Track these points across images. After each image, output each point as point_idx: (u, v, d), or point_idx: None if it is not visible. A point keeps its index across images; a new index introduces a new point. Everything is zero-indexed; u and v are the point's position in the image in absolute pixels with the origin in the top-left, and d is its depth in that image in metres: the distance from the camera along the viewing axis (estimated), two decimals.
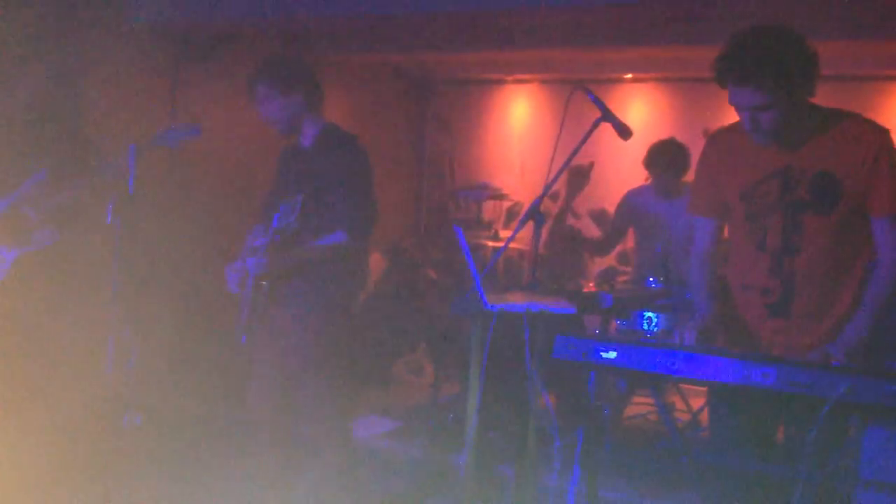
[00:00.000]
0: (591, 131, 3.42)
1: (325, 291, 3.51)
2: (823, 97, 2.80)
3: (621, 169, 6.62)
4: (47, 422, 4.09)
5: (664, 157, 5.04)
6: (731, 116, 2.93)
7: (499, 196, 6.79)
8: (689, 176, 5.18)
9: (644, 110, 6.95)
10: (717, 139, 3.05)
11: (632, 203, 5.28)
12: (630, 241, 5.62)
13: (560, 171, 3.53)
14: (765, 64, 2.61)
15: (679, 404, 5.28)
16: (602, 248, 5.61)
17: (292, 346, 3.52)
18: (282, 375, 3.58)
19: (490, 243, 6.18)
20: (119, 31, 5.22)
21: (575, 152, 3.47)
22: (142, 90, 5.51)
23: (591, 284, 4.61)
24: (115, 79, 5.13)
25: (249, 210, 3.88)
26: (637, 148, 5.10)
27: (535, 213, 3.51)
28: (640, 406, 5.35)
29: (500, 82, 7.70)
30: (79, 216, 3.61)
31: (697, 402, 5.18)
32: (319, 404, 3.55)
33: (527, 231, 3.72)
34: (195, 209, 5.85)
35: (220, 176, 5.86)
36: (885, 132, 2.79)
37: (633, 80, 7.05)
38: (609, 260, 6.28)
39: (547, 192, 3.51)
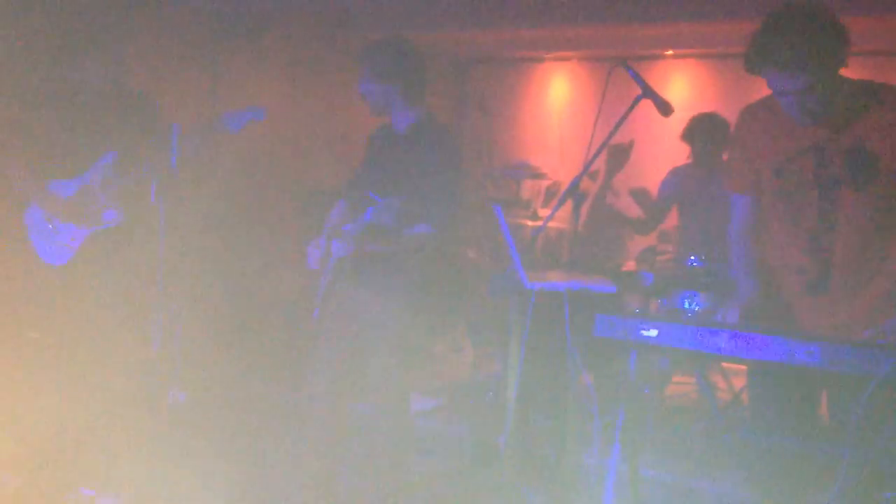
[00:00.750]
0: (631, 108, 3.40)
1: (405, 277, 3.53)
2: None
3: (662, 147, 6.55)
4: (95, 397, 4.18)
5: (702, 129, 4.98)
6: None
7: (537, 175, 6.77)
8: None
9: (685, 87, 6.87)
10: (749, 114, 3.01)
11: (675, 181, 5.24)
12: (671, 219, 5.57)
13: (600, 149, 3.50)
14: (804, 46, 2.57)
15: (721, 383, 5.25)
16: (645, 227, 5.57)
17: (367, 326, 3.55)
18: (349, 353, 3.61)
19: (529, 222, 6.17)
20: (161, 14, 5.26)
21: (615, 129, 3.45)
22: (184, 70, 5.56)
23: (631, 263, 4.59)
24: (158, 62, 5.18)
25: (295, 190, 3.91)
26: (678, 125, 5.05)
27: (574, 192, 3.49)
28: (682, 385, 5.32)
29: (539, 60, 7.65)
30: (143, 198, 3.68)
31: (739, 382, 5.14)
32: (385, 383, 3.57)
33: (566, 210, 3.71)
34: (241, 189, 5.90)
35: (264, 157, 5.90)
36: None
37: (674, 57, 6.97)
38: (650, 239, 6.24)
39: (587, 170, 3.50)
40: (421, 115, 3.61)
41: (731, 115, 5.17)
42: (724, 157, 5.03)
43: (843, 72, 2.72)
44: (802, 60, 2.59)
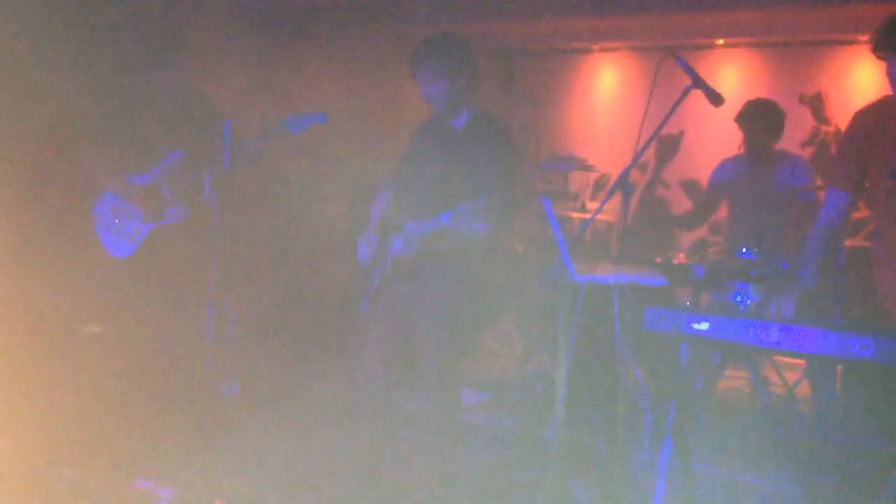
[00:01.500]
0: (681, 99, 3.36)
1: (458, 272, 3.52)
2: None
3: (712, 138, 6.48)
4: (151, 389, 4.26)
5: (756, 114, 4.90)
6: (827, 81, 2.86)
7: (585, 167, 6.72)
8: (782, 143, 5.05)
9: (736, 77, 6.76)
10: (867, 114, 2.99)
11: (724, 173, 5.17)
12: (723, 211, 5.51)
13: (649, 141, 3.47)
14: None
15: (774, 377, 5.17)
16: (693, 221, 5.51)
17: (419, 320, 3.55)
18: (400, 347, 3.62)
19: (577, 215, 6.13)
20: (209, 11, 5.33)
21: (665, 121, 3.42)
22: (233, 65, 5.63)
23: (681, 255, 4.54)
24: (208, 55, 5.25)
25: (341, 185, 3.93)
26: (729, 116, 4.98)
27: (623, 184, 3.47)
28: (734, 380, 5.26)
29: (586, 51, 7.59)
30: (200, 195, 3.76)
31: (793, 376, 5.06)
32: (438, 377, 3.56)
33: (615, 202, 3.68)
34: (291, 185, 5.96)
35: (313, 152, 5.94)
36: None
37: (725, 46, 6.87)
38: (701, 231, 6.18)
39: (636, 162, 3.47)
40: (476, 110, 3.59)
41: (783, 104, 5.11)
42: (774, 146, 4.96)
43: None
44: None
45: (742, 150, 5.23)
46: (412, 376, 3.62)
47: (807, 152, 6.14)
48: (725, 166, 5.20)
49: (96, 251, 4.46)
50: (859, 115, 3.01)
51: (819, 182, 4.92)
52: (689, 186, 5.85)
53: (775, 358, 5.18)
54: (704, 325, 2.66)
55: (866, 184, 2.98)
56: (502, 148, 3.47)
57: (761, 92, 6.22)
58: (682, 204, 6.34)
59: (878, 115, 2.93)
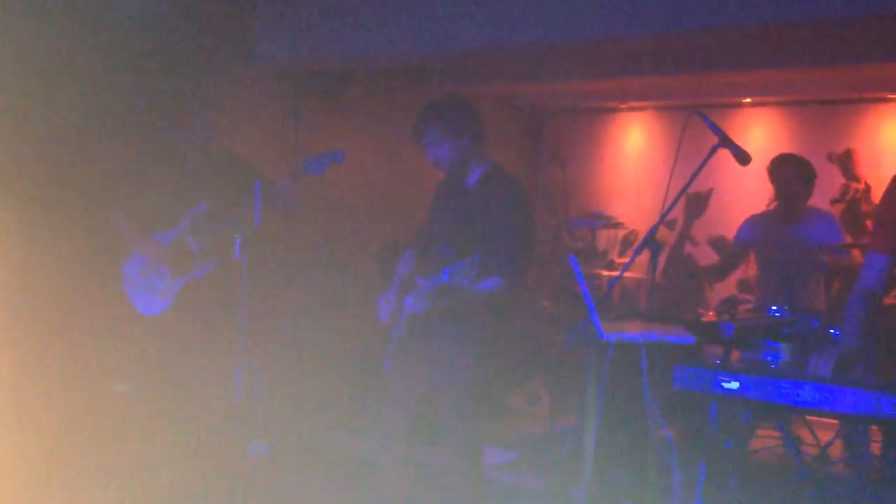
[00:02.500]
0: (708, 157, 3.39)
1: (478, 331, 3.51)
2: None
3: (740, 195, 6.47)
4: (180, 448, 4.26)
5: (790, 165, 4.90)
6: (856, 139, 2.87)
7: (614, 224, 6.73)
8: (814, 200, 5.03)
9: (763, 135, 6.78)
10: None
11: (753, 228, 5.16)
12: (752, 269, 5.48)
13: (677, 198, 3.49)
14: None
15: (807, 437, 5.08)
16: (719, 274, 5.49)
17: (439, 379, 3.54)
18: (421, 406, 3.61)
19: (605, 272, 6.13)
20: (244, 72, 5.45)
21: (693, 178, 3.43)
22: (266, 129, 5.73)
23: (710, 313, 4.51)
24: (241, 118, 5.36)
25: (372, 242, 3.96)
26: (756, 174, 4.98)
27: (651, 241, 3.48)
28: (766, 439, 5.17)
29: (614, 110, 7.65)
30: (229, 251, 3.81)
31: (826, 436, 4.98)
32: (459, 435, 3.54)
33: (643, 259, 3.68)
34: (319, 242, 6.01)
35: (342, 209, 6.00)
36: None
37: (752, 105, 6.89)
38: (730, 288, 6.13)
39: (663, 219, 3.49)
40: (488, 166, 3.62)
41: (811, 162, 5.11)
42: (805, 202, 4.94)
43: None
44: None
45: (772, 206, 5.22)
46: (433, 436, 3.59)
47: (837, 209, 6.11)
48: (755, 221, 5.19)
49: (125, 309, 4.49)
50: None
51: (849, 239, 4.89)
52: (718, 243, 5.82)
53: (808, 418, 5.10)
54: (734, 384, 2.65)
55: None
56: (510, 199, 3.47)
57: (788, 150, 6.23)
58: (711, 261, 6.32)
59: None
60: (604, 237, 7.21)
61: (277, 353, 5.44)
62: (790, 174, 4.92)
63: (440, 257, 3.53)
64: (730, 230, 5.50)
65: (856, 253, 4.60)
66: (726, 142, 3.42)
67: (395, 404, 3.69)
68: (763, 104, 6.85)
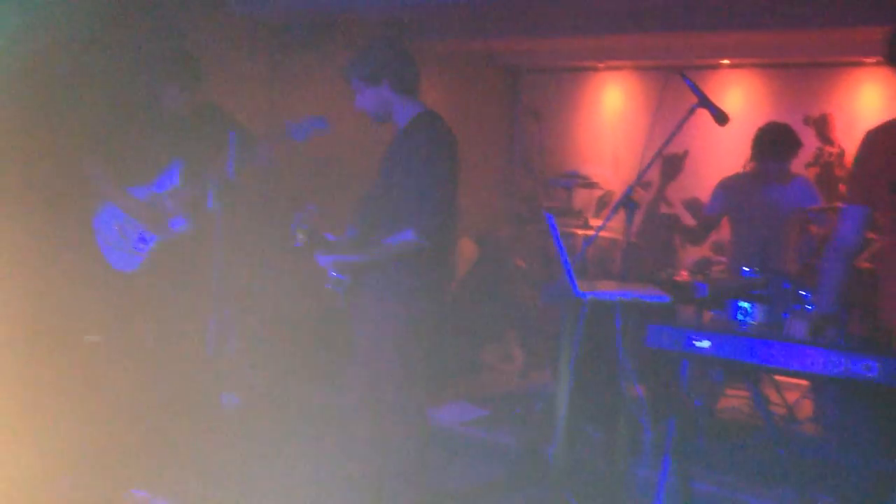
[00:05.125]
0: (687, 117, 3.38)
1: (404, 283, 3.41)
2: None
3: (715, 157, 6.49)
4: (150, 400, 4.25)
5: (777, 139, 4.90)
6: (833, 103, 2.89)
7: (589, 185, 6.73)
8: (794, 165, 5.06)
9: (741, 97, 6.79)
10: (874, 135, 3.01)
11: (727, 191, 5.18)
12: (725, 231, 5.51)
13: (654, 159, 3.49)
14: None
15: (774, 397, 5.16)
16: (695, 237, 5.52)
17: (375, 335, 3.49)
18: (368, 363, 3.58)
19: (580, 232, 6.13)
20: (220, 23, 5.36)
21: (670, 139, 3.44)
22: (241, 81, 5.65)
23: (684, 273, 4.54)
24: (216, 70, 5.29)
25: (345, 198, 3.94)
26: (732, 136, 4.99)
27: (627, 202, 3.48)
28: (734, 398, 5.25)
29: (593, 69, 7.62)
30: (203, 206, 3.75)
31: (793, 396, 5.06)
32: (398, 394, 3.49)
33: (618, 220, 3.69)
34: (293, 197, 5.96)
35: (317, 164, 5.96)
36: None
37: (731, 66, 6.89)
38: (703, 250, 6.17)
39: (640, 179, 3.49)
40: (417, 112, 3.49)
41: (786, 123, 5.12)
42: (788, 169, 4.96)
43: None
44: None
45: (747, 168, 5.24)
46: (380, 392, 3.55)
47: (811, 173, 6.14)
48: (730, 183, 5.20)
49: (98, 263, 4.46)
50: (872, 133, 3.03)
51: (824, 203, 4.93)
52: (692, 205, 5.84)
53: (776, 378, 5.18)
54: (706, 343, 2.67)
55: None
56: (430, 145, 3.32)
57: (766, 112, 6.24)
58: (686, 222, 6.35)
59: (883, 136, 2.94)
60: (580, 197, 7.21)
61: (251, 306, 5.42)
62: (776, 147, 4.92)
63: (363, 209, 3.47)
64: (705, 192, 5.52)
65: (831, 216, 4.63)
66: (705, 102, 3.42)
67: (353, 361, 3.66)
68: (742, 66, 6.85)
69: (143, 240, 4.38)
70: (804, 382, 4.85)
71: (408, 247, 3.29)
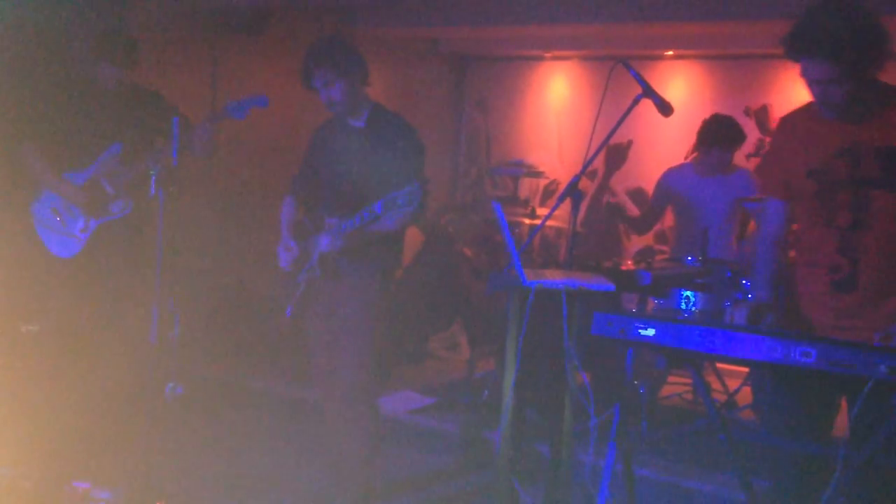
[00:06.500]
0: (631, 107, 3.41)
1: (377, 265, 3.59)
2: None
3: (659, 147, 6.57)
4: (92, 389, 4.18)
5: (722, 131, 4.98)
6: (773, 95, 2.92)
7: (535, 174, 6.77)
8: (736, 156, 5.14)
9: (684, 88, 6.87)
10: (787, 121, 3.04)
11: (670, 182, 5.25)
12: (668, 221, 5.58)
13: (599, 149, 3.51)
14: (835, 38, 2.63)
15: (715, 384, 5.26)
16: (640, 226, 5.59)
17: (348, 316, 3.58)
18: (334, 347, 3.63)
19: (527, 220, 6.17)
20: (160, 6, 5.27)
21: (615, 129, 3.46)
22: (183, 64, 5.56)
23: (629, 262, 4.60)
24: (158, 53, 5.20)
25: (284, 185, 3.92)
26: (676, 126, 5.06)
27: (573, 191, 3.50)
28: (676, 385, 5.33)
29: (538, 59, 7.64)
30: (146, 190, 3.71)
31: (734, 383, 5.16)
32: (355, 380, 3.59)
33: (564, 209, 3.72)
34: (236, 183, 5.90)
35: (258, 149, 5.90)
36: None
37: (674, 58, 6.97)
38: (647, 239, 6.25)
39: (585, 169, 3.51)
40: (374, 105, 3.66)
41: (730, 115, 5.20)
42: (731, 160, 5.04)
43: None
44: (830, 51, 2.64)
45: (689, 159, 5.31)
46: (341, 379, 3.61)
47: (752, 164, 6.25)
48: (672, 173, 5.27)
49: (37, 249, 4.37)
50: (783, 121, 3.07)
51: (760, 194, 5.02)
52: (636, 195, 5.92)
53: (717, 366, 5.28)
54: (650, 331, 2.70)
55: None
56: (403, 138, 3.56)
57: (708, 103, 6.32)
58: (630, 212, 6.41)
59: (796, 122, 2.99)
60: (526, 186, 7.25)
61: (195, 294, 5.35)
62: (724, 136, 4.99)
63: (339, 198, 3.55)
64: (648, 181, 5.58)
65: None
66: (649, 92, 3.45)
67: (314, 349, 3.72)
68: (684, 57, 6.93)
69: (83, 225, 4.31)
70: (744, 370, 4.95)
71: (397, 227, 3.51)
